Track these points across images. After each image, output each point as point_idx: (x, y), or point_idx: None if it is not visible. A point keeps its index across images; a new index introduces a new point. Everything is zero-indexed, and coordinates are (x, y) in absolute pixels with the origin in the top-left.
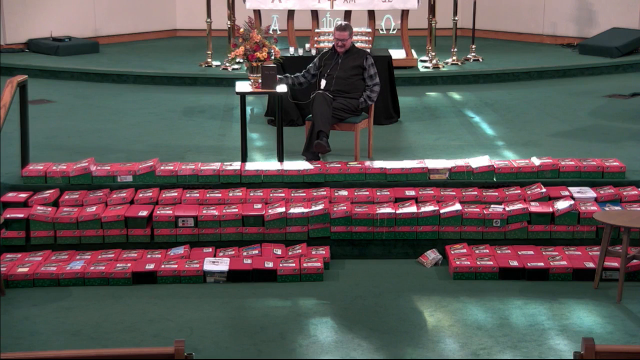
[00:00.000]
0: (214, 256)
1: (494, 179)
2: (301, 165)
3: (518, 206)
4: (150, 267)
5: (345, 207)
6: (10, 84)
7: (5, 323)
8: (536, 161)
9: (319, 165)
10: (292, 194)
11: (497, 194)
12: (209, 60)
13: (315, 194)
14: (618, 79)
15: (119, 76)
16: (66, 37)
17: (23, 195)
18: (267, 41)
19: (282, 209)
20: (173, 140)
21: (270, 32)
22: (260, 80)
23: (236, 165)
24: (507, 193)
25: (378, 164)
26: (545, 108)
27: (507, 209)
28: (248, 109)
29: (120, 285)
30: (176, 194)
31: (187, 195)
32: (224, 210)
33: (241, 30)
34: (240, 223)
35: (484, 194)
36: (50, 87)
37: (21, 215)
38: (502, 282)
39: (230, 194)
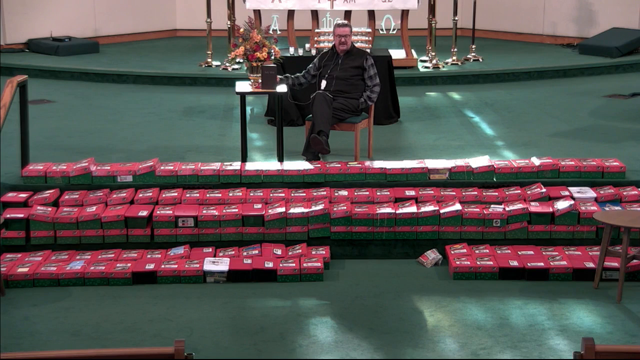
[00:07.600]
0: (214, 256)
1: (494, 179)
2: (301, 165)
3: (518, 206)
4: (150, 267)
5: (345, 207)
6: (10, 84)
7: (5, 323)
8: (536, 161)
9: (319, 165)
10: (292, 194)
11: (497, 194)
12: (209, 60)
13: (315, 194)
14: (618, 79)
15: (119, 76)
16: (66, 37)
17: (23, 195)
18: (267, 41)
19: (282, 209)
20: (173, 140)
21: (270, 32)
22: (260, 80)
23: (236, 165)
24: (507, 193)
25: (378, 164)
26: (545, 108)
27: (507, 209)
28: (248, 109)
29: (120, 285)
30: (176, 194)
31: (187, 195)
32: (224, 210)
33: (241, 30)
34: (240, 223)
35: (484, 194)
36: (50, 87)
37: (21, 215)
38: (502, 282)
39: (230, 194)
